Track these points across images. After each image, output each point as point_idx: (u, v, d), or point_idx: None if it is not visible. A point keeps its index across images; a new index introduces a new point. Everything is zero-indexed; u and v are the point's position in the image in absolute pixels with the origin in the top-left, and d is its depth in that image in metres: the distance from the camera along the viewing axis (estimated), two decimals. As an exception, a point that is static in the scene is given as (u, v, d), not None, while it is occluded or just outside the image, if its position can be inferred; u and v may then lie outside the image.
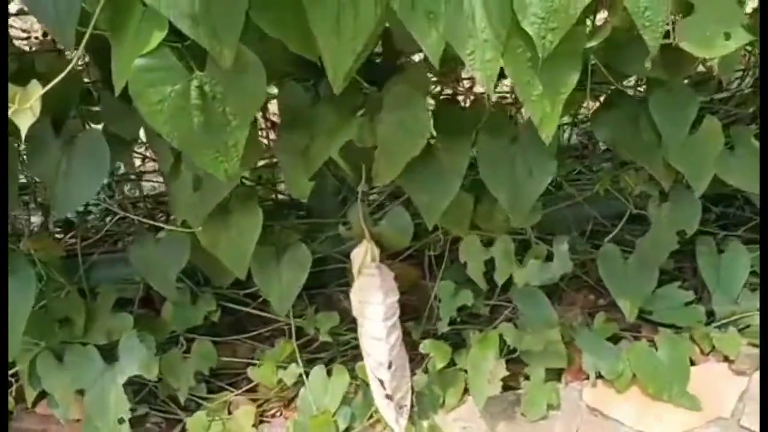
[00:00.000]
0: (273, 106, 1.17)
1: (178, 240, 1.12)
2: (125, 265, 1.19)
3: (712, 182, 1.15)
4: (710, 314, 1.31)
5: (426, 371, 1.22)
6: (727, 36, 0.91)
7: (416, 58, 1.09)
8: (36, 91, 0.73)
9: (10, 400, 1.21)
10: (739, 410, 1.19)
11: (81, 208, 1.27)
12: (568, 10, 0.81)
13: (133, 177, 1.26)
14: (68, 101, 0.97)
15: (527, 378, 1.25)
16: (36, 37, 1.29)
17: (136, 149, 1.19)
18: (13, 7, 1.01)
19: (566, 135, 1.41)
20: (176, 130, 0.79)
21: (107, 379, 1.11)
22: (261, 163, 1.31)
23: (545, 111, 0.88)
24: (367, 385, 1.18)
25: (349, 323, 1.30)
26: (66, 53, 1.02)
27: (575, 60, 0.86)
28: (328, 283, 1.37)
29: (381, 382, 1.14)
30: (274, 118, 1.19)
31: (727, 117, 1.33)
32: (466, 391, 1.23)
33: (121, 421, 1.10)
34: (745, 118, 1.34)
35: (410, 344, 1.26)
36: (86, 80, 1.05)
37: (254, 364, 1.24)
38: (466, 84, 1.24)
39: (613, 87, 1.11)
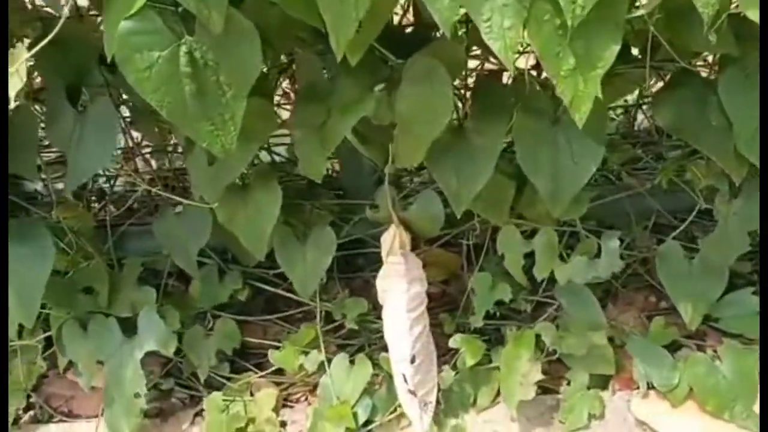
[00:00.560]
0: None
1: (200, 215, 1.09)
2: (153, 237, 1.17)
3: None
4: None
5: (455, 368, 1.13)
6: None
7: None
8: (21, 54, 0.71)
9: (43, 363, 1.23)
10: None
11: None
12: (604, -32, 0.70)
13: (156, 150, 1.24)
14: (83, 69, 0.94)
15: (570, 382, 1.15)
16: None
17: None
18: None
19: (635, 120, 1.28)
20: (166, 98, 0.75)
21: (125, 352, 1.10)
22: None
23: (577, 89, 0.77)
24: (392, 377, 1.12)
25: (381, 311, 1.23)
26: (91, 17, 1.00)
27: (614, 30, 0.75)
28: (365, 268, 1.31)
29: (404, 376, 1.08)
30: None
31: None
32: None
33: (137, 395, 1.09)
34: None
35: (443, 337, 1.18)
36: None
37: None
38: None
39: (678, 65, 0.98)
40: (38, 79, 1.05)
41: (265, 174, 1.03)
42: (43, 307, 1.18)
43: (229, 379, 1.20)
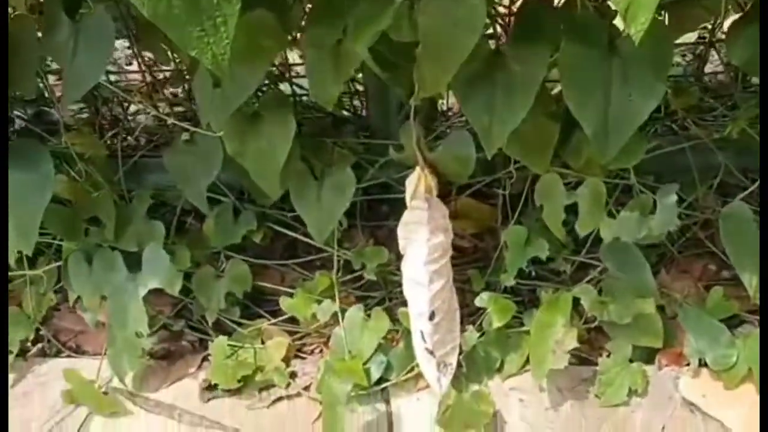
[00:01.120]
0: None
1: (210, 146, 1.00)
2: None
3: None
4: None
5: (480, 329, 1.03)
6: None
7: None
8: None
9: (54, 296, 1.18)
10: None
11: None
12: None
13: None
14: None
15: (610, 354, 1.03)
16: None
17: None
18: None
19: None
20: (148, -3, 0.65)
21: (129, 289, 1.04)
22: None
23: (633, -4, 0.64)
24: (411, 334, 1.02)
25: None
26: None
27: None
28: (390, 216, 1.20)
29: (422, 333, 0.98)
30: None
31: None
32: (533, 358, 1.03)
33: (139, 334, 1.03)
34: None
35: (471, 296, 1.08)
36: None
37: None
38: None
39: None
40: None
41: (278, 101, 0.94)
42: (55, 237, 1.13)
43: (240, 324, 1.13)
